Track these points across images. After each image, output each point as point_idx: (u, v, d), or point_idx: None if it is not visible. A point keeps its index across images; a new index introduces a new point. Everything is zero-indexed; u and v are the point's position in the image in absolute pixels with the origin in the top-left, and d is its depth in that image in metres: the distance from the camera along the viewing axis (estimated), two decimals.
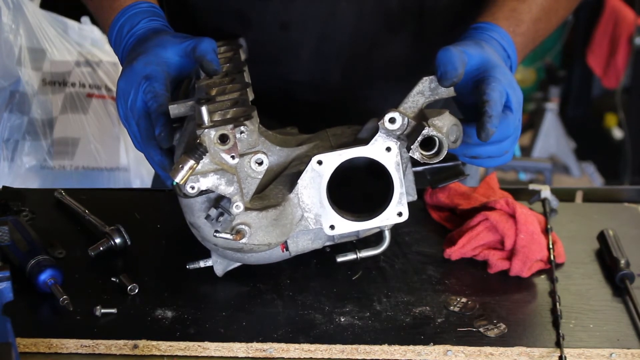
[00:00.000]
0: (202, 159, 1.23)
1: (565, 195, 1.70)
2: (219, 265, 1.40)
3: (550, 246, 1.47)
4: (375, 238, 1.42)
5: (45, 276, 1.34)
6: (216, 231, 1.28)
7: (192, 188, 1.24)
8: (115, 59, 2.62)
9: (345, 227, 1.35)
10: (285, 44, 1.60)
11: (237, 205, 1.26)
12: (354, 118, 1.51)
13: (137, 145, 1.38)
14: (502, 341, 1.29)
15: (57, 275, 1.35)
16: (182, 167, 1.22)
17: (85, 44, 2.62)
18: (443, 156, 1.28)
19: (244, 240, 1.29)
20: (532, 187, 1.65)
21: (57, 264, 1.37)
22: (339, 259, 1.40)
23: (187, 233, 1.45)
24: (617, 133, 4.95)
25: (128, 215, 1.59)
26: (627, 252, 1.47)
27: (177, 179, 1.22)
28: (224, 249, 1.34)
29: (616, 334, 1.32)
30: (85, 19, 2.65)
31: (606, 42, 4.61)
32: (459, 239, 1.49)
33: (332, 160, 1.33)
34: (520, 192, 1.68)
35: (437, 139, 1.28)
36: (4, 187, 1.67)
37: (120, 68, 1.44)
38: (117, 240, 1.47)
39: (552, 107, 4.84)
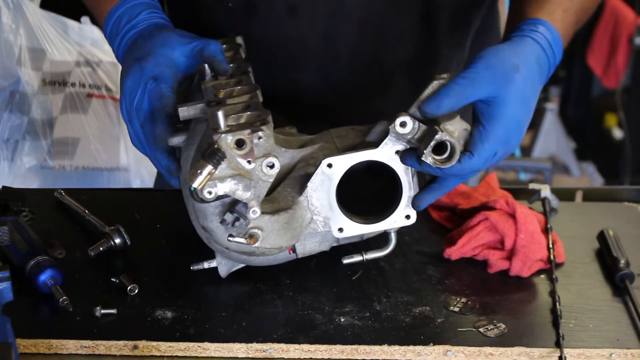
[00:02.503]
0: (220, 164, 1.22)
1: (565, 195, 1.70)
2: (223, 266, 1.39)
3: (550, 246, 1.47)
4: (376, 238, 1.42)
5: (45, 277, 1.34)
6: (230, 235, 1.28)
7: (210, 193, 1.23)
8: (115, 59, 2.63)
9: (354, 230, 1.35)
10: (294, 29, 1.59)
11: (254, 211, 1.26)
12: (360, 106, 1.49)
13: (139, 146, 1.38)
14: (502, 341, 1.29)
15: (56, 276, 1.35)
16: (201, 173, 1.21)
17: (85, 44, 2.62)
18: (455, 161, 1.27)
19: (257, 244, 1.29)
20: (532, 186, 1.65)
21: (56, 265, 1.37)
22: (345, 261, 1.40)
23: (187, 233, 1.45)
24: (617, 133, 4.94)
25: (128, 215, 1.59)
26: (627, 251, 1.47)
27: (195, 184, 1.21)
28: (235, 252, 1.33)
29: (616, 334, 1.32)
30: (85, 19, 2.64)
31: (606, 42, 4.61)
32: (459, 238, 1.49)
33: (342, 163, 1.32)
34: (520, 192, 1.68)
35: (449, 144, 1.27)
36: (4, 187, 1.67)
37: (120, 67, 1.44)
38: (117, 241, 1.47)
39: (552, 107, 4.84)
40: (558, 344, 1.28)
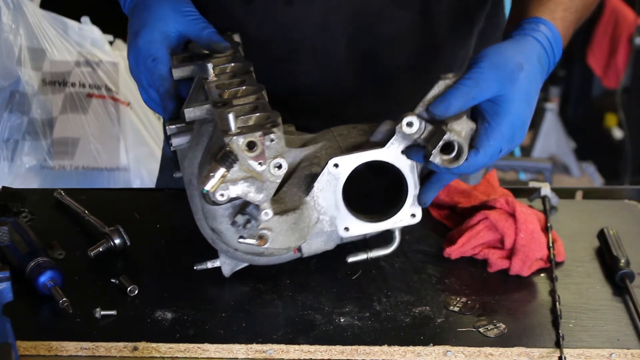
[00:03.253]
0: (232, 167, 1.21)
1: (565, 195, 1.70)
2: (227, 266, 1.39)
3: (550, 245, 1.47)
4: (377, 236, 1.41)
5: (44, 278, 1.34)
6: (241, 237, 1.28)
7: (222, 196, 1.22)
8: (116, 59, 2.63)
9: (360, 229, 1.35)
10: (290, 19, 1.58)
11: (266, 212, 1.25)
12: (358, 101, 1.47)
13: (149, 102, 1.48)
14: (501, 341, 1.29)
15: (56, 277, 1.34)
16: (213, 176, 1.20)
17: (85, 44, 2.62)
18: (463, 161, 1.27)
19: (266, 245, 1.29)
20: (532, 184, 1.65)
21: (56, 266, 1.37)
22: (350, 259, 1.39)
23: (187, 233, 1.45)
24: (617, 133, 4.94)
25: (128, 215, 1.58)
26: (628, 250, 1.47)
27: (208, 187, 1.20)
28: (244, 253, 1.33)
29: (616, 334, 1.31)
30: (85, 19, 2.65)
31: (606, 42, 4.60)
32: (459, 238, 1.49)
33: (349, 163, 1.32)
34: (520, 191, 1.67)
35: (456, 144, 1.27)
36: (3, 187, 1.67)
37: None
38: (117, 241, 1.47)
39: (552, 107, 4.84)
40: (558, 344, 1.28)
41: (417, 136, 1.30)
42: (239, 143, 1.21)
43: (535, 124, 4.87)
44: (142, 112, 2.69)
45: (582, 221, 1.62)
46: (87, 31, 2.63)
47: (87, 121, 2.56)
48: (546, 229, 1.50)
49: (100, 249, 1.46)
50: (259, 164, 1.23)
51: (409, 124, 1.29)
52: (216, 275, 1.41)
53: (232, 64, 1.42)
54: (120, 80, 2.63)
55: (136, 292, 1.37)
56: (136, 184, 2.60)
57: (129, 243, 1.47)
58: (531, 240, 1.45)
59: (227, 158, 1.20)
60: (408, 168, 1.33)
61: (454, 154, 1.27)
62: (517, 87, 1.30)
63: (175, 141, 1.37)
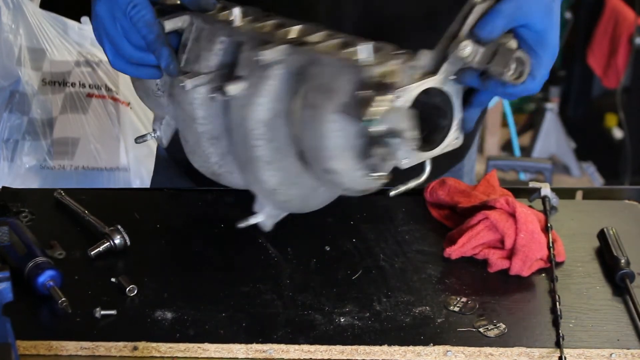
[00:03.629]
0: (388, 99, 1.17)
1: (565, 195, 1.70)
2: (270, 218, 1.36)
3: (550, 245, 1.47)
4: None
5: (43, 278, 1.34)
6: (372, 172, 1.24)
7: (377, 127, 1.17)
8: None
9: (416, 159, 1.30)
10: (300, 3, 1.57)
11: (410, 142, 1.22)
12: None
13: (121, 61, 1.37)
14: (502, 341, 1.29)
15: (55, 277, 1.34)
16: (373, 106, 1.15)
17: (85, 44, 2.62)
18: (526, 76, 1.26)
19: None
20: (532, 184, 1.65)
21: (55, 266, 1.37)
22: (392, 193, 1.34)
23: (187, 233, 1.45)
24: (617, 133, 4.94)
25: (128, 215, 1.58)
26: (628, 250, 1.47)
27: (372, 116, 1.15)
28: (355, 193, 1.29)
29: (616, 334, 1.31)
30: (85, 19, 2.65)
31: (606, 42, 4.60)
32: (459, 238, 1.49)
33: (410, 92, 1.26)
34: (520, 191, 1.68)
35: (521, 59, 1.26)
36: (3, 187, 1.67)
37: None
38: (117, 241, 1.47)
39: (552, 107, 4.84)
40: (558, 344, 1.28)
41: (470, 59, 1.27)
42: (380, 71, 1.18)
43: (535, 124, 4.88)
44: (142, 112, 2.69)
45: (582, 221, 1.62)
46: (87, 31, 2.63)
47: (87, 121, 2.56)
48: (546, 229, 1.50)
49: (100, 249, 1.46)
50: (398, 95, 1.19)
51: (465, 47, 1.27)
52: (215, 276, 1.41)
53: (238, 9, 1.37)
54: (120, 80, 2.63)
55: (135, 292, 1.37)
56: (136, 184, 2.60)
57: (129, 243, 1.47)
58: (531, 240, 1.45)
59: (384, 87, 1.17)
60: (455, 93, 1.31)
61: (513, 70, 1.26)
62: (554, 18, 1.33)
63: (233, 88, 1.29)
